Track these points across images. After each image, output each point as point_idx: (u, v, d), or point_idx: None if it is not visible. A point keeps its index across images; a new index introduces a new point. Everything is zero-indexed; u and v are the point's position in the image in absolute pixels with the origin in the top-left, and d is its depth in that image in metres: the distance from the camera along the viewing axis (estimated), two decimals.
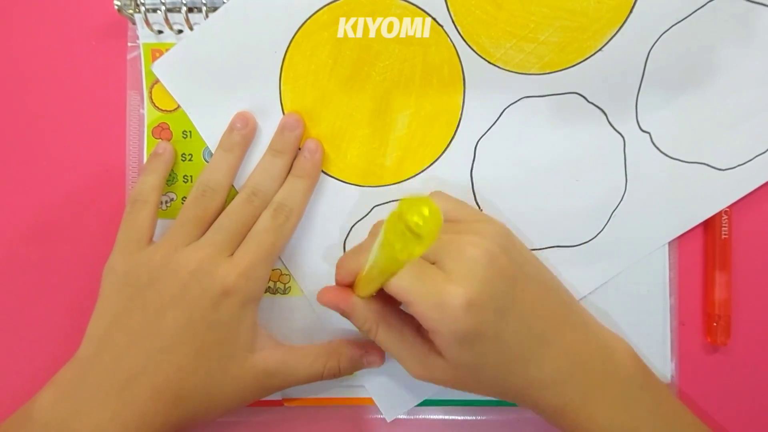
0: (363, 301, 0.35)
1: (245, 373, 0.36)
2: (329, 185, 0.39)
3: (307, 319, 0.40)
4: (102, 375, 0.34)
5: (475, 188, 0.39)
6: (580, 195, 0.39)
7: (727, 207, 0.39)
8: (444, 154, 0.39)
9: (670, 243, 0.40)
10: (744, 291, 0.40)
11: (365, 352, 0.39)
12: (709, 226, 0.40)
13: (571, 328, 0.35)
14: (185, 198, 0.39)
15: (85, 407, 0.34)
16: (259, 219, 0.37)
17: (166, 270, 0.36)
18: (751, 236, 0.40)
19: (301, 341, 0.40)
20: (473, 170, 0.39)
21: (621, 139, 0.39)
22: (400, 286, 0.32)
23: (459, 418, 0.41)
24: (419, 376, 0.35)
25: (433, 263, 0.33)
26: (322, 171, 0.39)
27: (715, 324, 0.39)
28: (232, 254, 0.36)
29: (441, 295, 0.31)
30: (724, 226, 0.39)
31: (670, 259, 0.40)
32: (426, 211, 0.22)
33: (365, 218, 0.40)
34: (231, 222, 0.37)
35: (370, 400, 0.41)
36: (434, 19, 0.38)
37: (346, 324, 0.36)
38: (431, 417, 0.41)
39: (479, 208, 0.39)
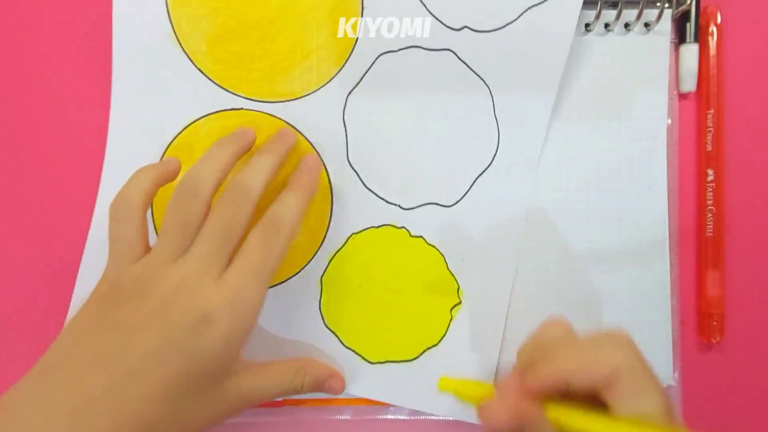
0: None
1: (219, 399, 0.33)
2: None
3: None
4: (56, 393, 0.30)
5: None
6: None
7: (713, 205, 0.40)
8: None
9: (669, 243, 0.39)
10: (737, 290, 0.40)
11: (330, 375, 0.38)
12: (699, 225, 0.40)
13: None
14: None
15: (30, 429, 0.30)
16: (248, 235, 0.34)
17: (148, 284, 0.32)
18: (745, 235, 0.40)
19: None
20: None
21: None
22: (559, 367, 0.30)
23: (459, 417, 0.41)
24: None
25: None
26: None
27: (715, 323, 0.40)
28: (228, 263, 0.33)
29: (596, 347, 0.30)
30: (709, 224, 0.40)
31: (670, 259, 0.39)
32: None
33: None
34: (216, 231, 0.33)
35: (370, 400, 0.41)
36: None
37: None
38: (431, 417, 0.41)
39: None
